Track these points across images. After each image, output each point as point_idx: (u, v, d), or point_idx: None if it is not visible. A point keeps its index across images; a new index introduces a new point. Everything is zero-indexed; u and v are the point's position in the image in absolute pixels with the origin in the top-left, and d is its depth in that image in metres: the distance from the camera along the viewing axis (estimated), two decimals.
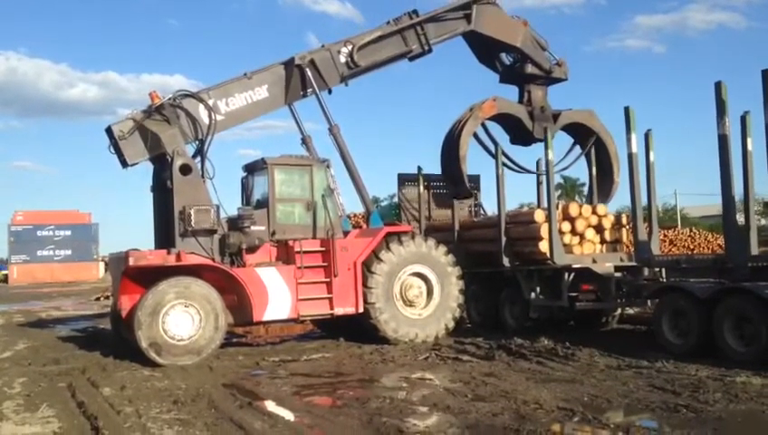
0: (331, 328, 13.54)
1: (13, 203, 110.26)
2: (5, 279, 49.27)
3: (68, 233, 49.53)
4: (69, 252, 49.11)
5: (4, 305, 26.01)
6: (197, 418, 7.36)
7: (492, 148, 14.76)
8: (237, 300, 11.80)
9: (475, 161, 14.96)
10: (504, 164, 14.07)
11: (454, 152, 14.61)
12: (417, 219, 15.66)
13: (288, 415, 7.62)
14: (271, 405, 8.09)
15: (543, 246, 12.66)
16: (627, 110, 11.55)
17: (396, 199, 17.68)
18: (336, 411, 7.68)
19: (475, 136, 14.87)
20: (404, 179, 16.45)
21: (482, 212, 16.01)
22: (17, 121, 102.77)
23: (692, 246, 30.16)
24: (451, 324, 13.08)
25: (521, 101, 15.30)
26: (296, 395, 8.62)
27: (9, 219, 49.26)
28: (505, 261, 13.28)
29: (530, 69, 15.02)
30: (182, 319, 10.99)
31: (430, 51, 14.49)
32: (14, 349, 13.39)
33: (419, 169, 15.98)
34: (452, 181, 15.14)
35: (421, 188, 15.82)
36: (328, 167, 12.97)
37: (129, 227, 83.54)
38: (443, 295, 12.99)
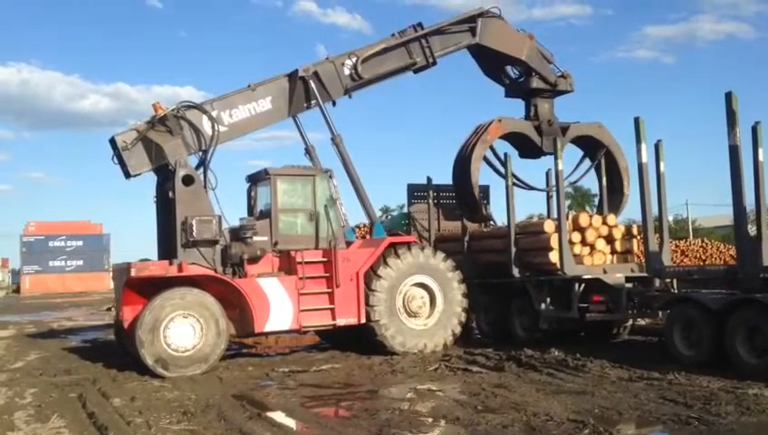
0: (338, 340, 13.50)
1: (25, 214, 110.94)
2: (17, 289, 49.58)
3: (80, 243, 49.87)
4: (80, 262, 49.42)
5: (17, 316, 26.17)
6: (207, 429, 7.38)
7: (500, 167, 14.74)
8: (239, 311, 11.79)
9: (483, 171, 14.98)
10: (514, 183, 14.05)
11: (466, 179, 14.57)
12: (427, 230, 15.66)
13: (297, 426, 7.63)
14: (280, 416, 8.07)
15: (553, 256, 12.61)
16: (637, 120, 11.52)
17: (405, 210, 17.69)
18: (345, 423, 7.67)
19: (485, 159, 14.80)
20: (414, 190, 16.48)
21: (491, 222, 15.98)
22: (29, 133, 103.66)
23: (704, 257, 29.93)
24: (458, 330, 13.05)
25: (527, 116, 15.23)
26: (305, 406, 8.62)
27: (21, 230, 49.70)
28: (515, 271, 13.24)
29: (535, 83, 14.97)
30: (183, 330, 10.99)
31: (435, 63, 14.50)
32: (25, 359, 13.47)
33: (429, 179, 15.99)
34: (467, 208, 15.11)
35: (431, 198, 15.82)
36: (331, 177, 12.96)
37: (140, 238, 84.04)
38: (446, 302, 12.94)
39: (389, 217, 31.55)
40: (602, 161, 15.09)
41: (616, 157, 15.17)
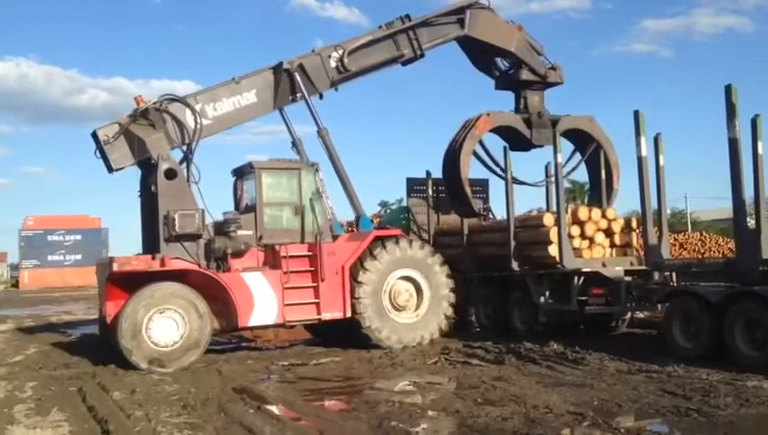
0: (327, 335, 13.42)
1: (24, 208, 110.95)
2: (16, 284, 49.54)
3: (78, 238, 49.67)
4: (79, 257, 49.19)
5: (16, 310, 26.15)
6: (207, 422, 7.38)
7: (489, 162, 14.69)
8: (223, 305, 11.70)
9: (478, 166, 14.93)
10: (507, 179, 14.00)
11: (456, 175, 14.47)
12: (425, 225, 15.64)
13: (297, 419, 7.62)
14: (280, 409, 8.09)
15: (553, 249, 12.61)
16: (636, 113, 11.50)
17: (404, 204, 17.66)
18: (345, 415, 7.69)
19: (474, 153, 14.72)
20: (413, 184, 16.44)
21: (491, 216, 15.97)
22: (28, 127, 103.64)
23: (702, 250, 29.97)
24: (450, 311, 13.11)
25: (518, 108, 15.12)
26: (305, 399, 8.63)
27: (20, 224, 49.59)
28: (514, 265, 13.24)
29: (525, 75, 14.86)
30: (165, 325, 10.92)
31: (423, 56, 14.37)
32: (24, 353, 13.44)
33: (428, 173, 15.96)
34: (458, 203, 15.04)
35: (430, 192, 15.79)
36: (317, 170, 12.88)
37: (139, 232, 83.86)
38: (432, 288, 12.94)
39: (388, 210, 31.53)
40: (600, 155, 15.01)
41: (606, 151, 15.04)
